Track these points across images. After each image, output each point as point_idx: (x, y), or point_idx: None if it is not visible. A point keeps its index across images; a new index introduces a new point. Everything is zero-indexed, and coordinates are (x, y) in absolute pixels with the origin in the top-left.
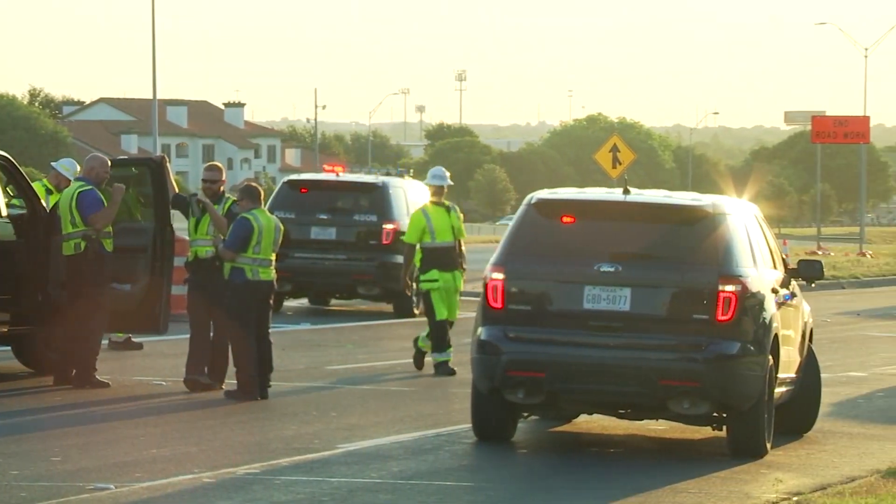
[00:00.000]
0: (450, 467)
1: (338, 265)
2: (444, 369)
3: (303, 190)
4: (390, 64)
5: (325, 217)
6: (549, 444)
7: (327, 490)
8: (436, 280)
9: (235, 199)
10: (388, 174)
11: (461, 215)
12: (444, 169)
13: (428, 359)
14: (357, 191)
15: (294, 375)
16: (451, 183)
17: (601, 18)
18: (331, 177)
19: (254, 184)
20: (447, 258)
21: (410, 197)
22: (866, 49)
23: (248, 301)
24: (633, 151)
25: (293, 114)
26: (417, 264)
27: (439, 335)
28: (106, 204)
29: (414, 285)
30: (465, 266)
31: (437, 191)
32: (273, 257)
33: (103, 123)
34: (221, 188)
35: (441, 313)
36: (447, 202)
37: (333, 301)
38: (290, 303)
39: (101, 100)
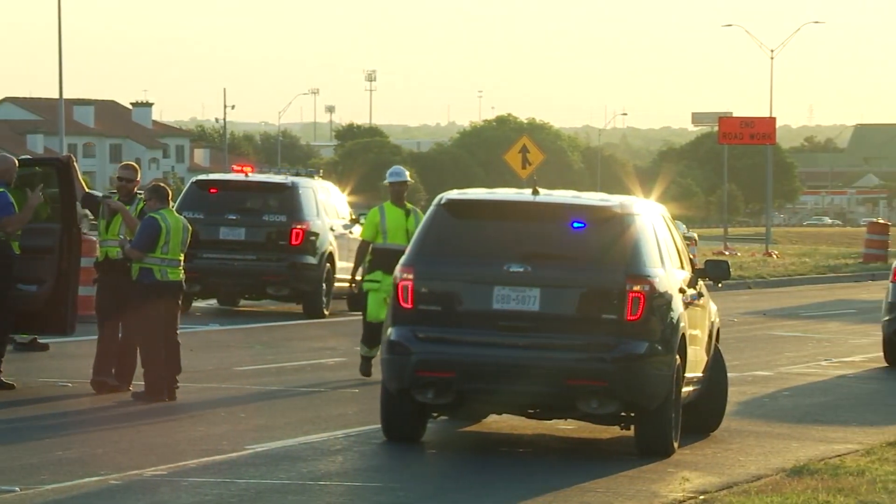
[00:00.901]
0: (359, 468)
1: (247, 266)
2: (365, 365)
3: (212, 190)
4: (300, 64)
5: (234, 217)
6: (458, 444)
7: (235, 492)
8: (378, 282)
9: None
10: (297, 174)
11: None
12: (401, 167)
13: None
14: (266, 191)
15: (202, 377)
16: (409, 181)
17: (511, 19)
18: (240, 177)
19: (161, 184)
20: (395, 261)
21: (320, 197)
22: (772, 51)
23: (156, 302)
24: (542, 152)
25: (202, 113)
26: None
27: (368, 333)
28: (16, 206)
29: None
30: None
31: (397, 191)
32: (181, 257)
33: (9, 123)
34: (135, 188)
35: (373, 314)
36: (409, 205)
37: (243, 302)
38: (198, 303)
39: (7, 99)
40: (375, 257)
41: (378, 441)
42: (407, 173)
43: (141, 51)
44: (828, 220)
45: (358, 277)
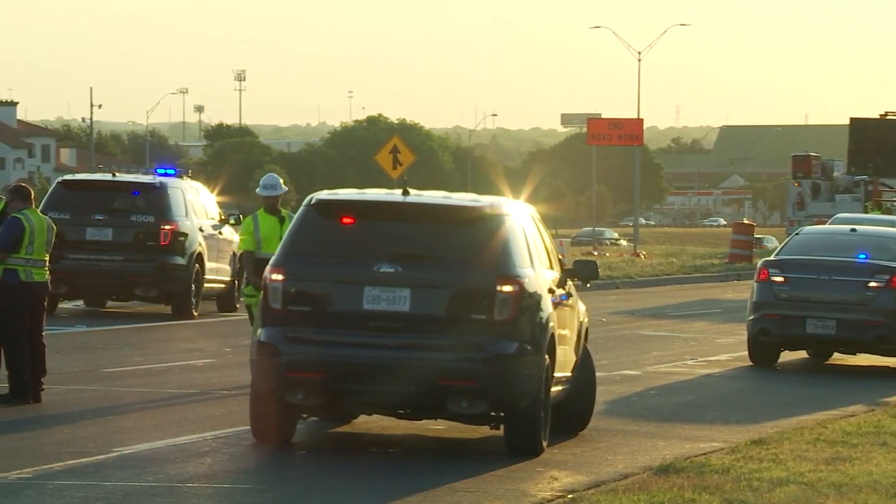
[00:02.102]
0: (228, 469)
1: (115, 266)
2: None
3: (78, 189)
4: (168, 63)
5: (100, 218)
6: (328, 445)
7: (101, 494)
8: (253, 295)
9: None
10: (146, 172)
11: None
12: (275, 176)
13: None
14: (134, 191)
15: (68, 378)
16: (285, 189)
17: (382, 20)
18: (107, 177)
19: (23, 184)
20: None
21: (189, 197)
22: (639, 53)
23: (21, 303)
24: (413, 153)
25: (68, 113)
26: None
27: None
28: None
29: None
30: None
31: (269, 203)
32: (46, 258)
33: None
34: None
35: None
36: (285, 211)
37: (110, 303)
38: (65, 305)
39: None
40: (258, 268)
41: (247, 442)
42: (280, 182)
43: (5, 49)
44: (722, 221)
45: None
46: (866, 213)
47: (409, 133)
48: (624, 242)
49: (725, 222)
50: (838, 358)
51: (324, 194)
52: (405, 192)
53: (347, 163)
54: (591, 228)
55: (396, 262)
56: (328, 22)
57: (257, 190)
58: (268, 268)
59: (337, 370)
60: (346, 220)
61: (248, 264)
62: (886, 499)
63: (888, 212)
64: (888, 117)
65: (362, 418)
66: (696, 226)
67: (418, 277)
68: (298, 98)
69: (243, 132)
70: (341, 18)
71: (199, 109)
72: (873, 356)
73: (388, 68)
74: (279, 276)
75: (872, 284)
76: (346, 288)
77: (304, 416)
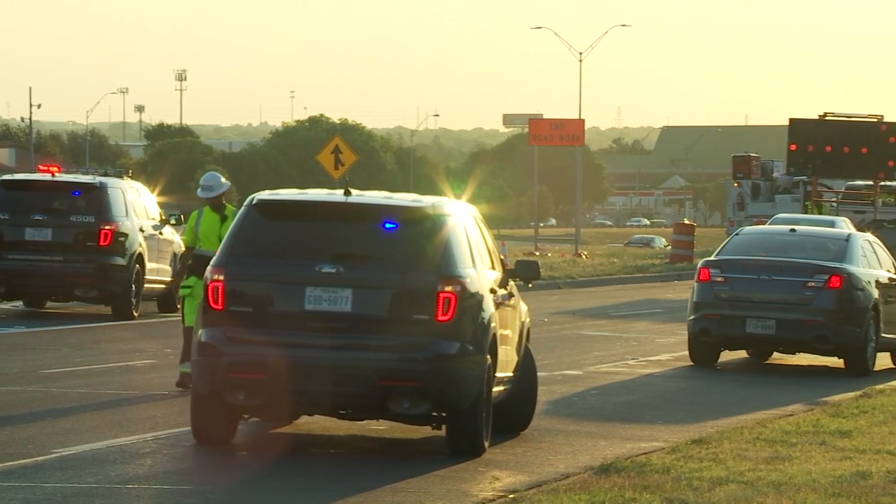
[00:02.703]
0: (168, 471)
1: (54, 267)
2: (185, 380)
3: (17, 189)
4: (108, 62)
5: (40, 218)
6: (270, 446)
7: (41, 496)
8: (190, 287)
9: None
10: (105, 174)
11: None
12: (215, 175)
13: None
14: (74, 191)
15: (7, 379)
16: (225, 187)
17: (323, 19)
18: (46, 177)
19: None
20: (206, 267)
21: (129, 197)
22: (581, 53)
23: None
24: (355, 153)
25: (7, 112)
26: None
27: (187, 344)
28: None
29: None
30: None
31: (212, 202)
32: None
33: None
34: None
35: (191, 320)
36: (230, 208)
37: (50, 304)
38: (4, 305)
39: None
40: (192, 263)
41: (188, 443)
42: (220, 180)
43: None
44: (646, 222)
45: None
46: (807, 213)
47: (351, 133)
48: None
49: (648, 222)
50: (778, 357)
51: (265, 194)
52: (347, 193)
53: (289, 163)
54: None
55: (338, 262)
56: (270, 22)
57: (198, 191)
58: (209, 268)
59: (278, 371)
60: (287, 220)
61: (184, 259)
62: (825, 498)
63: (827, 212)
64: (827, 118)
65: (304, 419)
66: (621, 226)
67: (360, 278)
68: (240, 98)
69: (184, 132)
70: (283, 18)
71: (140, 109)
72: (812, 356)
73: (330, 68)
74: (220, 277)
75: (811, 284)
76: (287, 288)
77: (246, 416)
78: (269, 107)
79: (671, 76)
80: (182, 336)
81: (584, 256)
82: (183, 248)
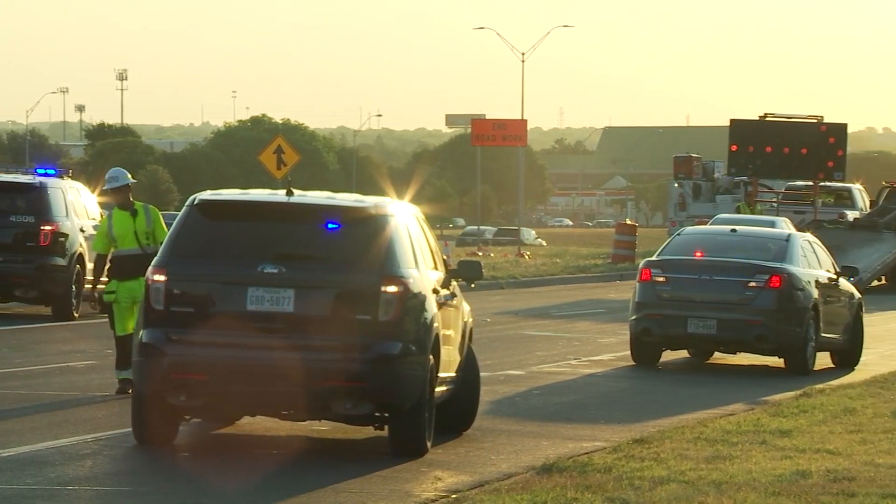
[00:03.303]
0: (109, 472)
1: None
2: (124, 386)
3: None
4: (49, 62)
5: None
6: (211, 447)
7: None
8: (113, 292)
9: None
10: (27, 172)
11: (158, 217)
12: (120, 169)
13: None
14: (14, 191)
15: None
16: (130, 181)
17: (265, 19)
18: None
19: None
20: (128, 266)
21: (70, 197)
22: (523, 54)
23: None
24: (297, 153)
25: None
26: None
27: (121, 350)
28: None
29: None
30: None
31: (118, 196)
32: None
33: None
34: None
35: (121, 328)
36: (139, 204)
37: None
38: None
39: None
40: (111, 266)
41: (129, 445)
42: (123, 174)
43: None
44: (568, 222)
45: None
46: (738, 213)
47: (294, 133)
48: (543, 242)
49: (571, 223)
50: (719, 357)
51: (207, 194)
52: (289, 193)
53: (231, 163)
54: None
55: (280, 262)
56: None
57: (104, 186)
58: (150, 268)
59: (220, 371)
60: (229, 220)
61: (98, 266)
62: (765, 497)
63: (761, 212)
64: (767, 119)
65: (246, 419)
66: (542, 226)
67: (302, 278)
68: (181, 98)
69: (125, 132)
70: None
71: (81, 109)
72: (753, 355)
73: (273, 68)
74: (161, 277)
75: (752, 284)
76: (229, 288)
77: (187, 417)
78: (210, 106)
79: (613, 77)
80: (115, 343)
81: (526, 257)
82: (94, 252)
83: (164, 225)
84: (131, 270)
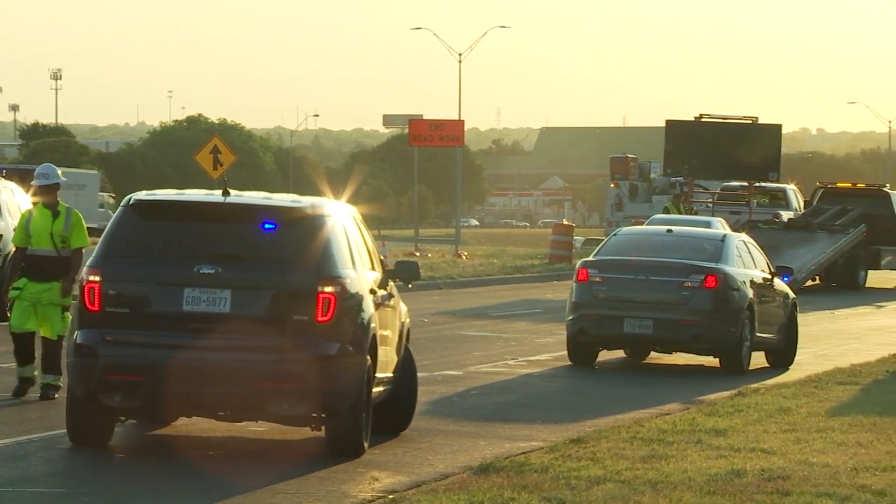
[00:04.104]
0: (43, 473)
1: None
2: (19, 386)
3: None
4: None
5: None
6: (147, 448)
7: None
8: (19, 289)
9: None
10: None
11: (78, 223)
12: (51, 166)
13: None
14: None
15: None
16: (61, 180)
17: (200, 18)
18: None
19: None
20: (39, 268)
21: (3, 197)
22: (460, 54)
23: None
24: (234, 153)
25: None
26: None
27: (16, 346)
28: None
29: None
30: (74, 278)
31: (42, 191)
32: None
33: None
34: None
35: (15, 324)
36: (63, 205)
37: None
38: None
39: None
40: (25, 263)
41: (63, 446)
42: (55, 172)
43: None
44: (474, 222)
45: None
46: (667, 213)
47: (230, 133)
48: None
49: (478, 223)
50: (655, 357)
51: (142, 194)
52: (225, 193)
53: (167, 163)
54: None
55: (216, 263)
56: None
57: (33, 182)
58: (85, 269)
59: (156, 372)
60: (165, 221)
61: (15, 261)
62: (701, 496)
63: (689, 212)
64: (703, 120)
65: (182, 420)
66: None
67: (238, 278)
68: (116, 97)
69: (60, 132)
70: (161, 16)
71: (14, 108)
72: (689, 355)
73: (209, 67)
74: (96, 277)
75: (688, 284)
76: (165, 289)
77: (122, 418)
78: (146, 106)
79: (550, 77)
80: (12, 339)
81: (464, 257)
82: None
83: (84, 232)
84: (41, 272)
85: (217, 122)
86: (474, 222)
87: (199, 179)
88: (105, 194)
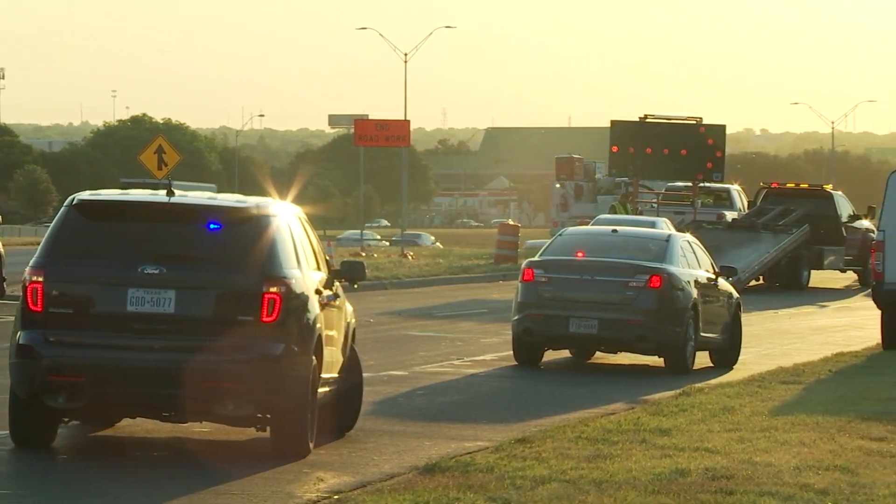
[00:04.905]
0: None
1: None
2: None
3: None
4: None
5: None
6: (91, 449)
7: None
8: None
9: None
10: None
11: None
12: None
13: None
14: None
15: None
16: None
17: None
18: None
19: None
20: None
21: None
22: (406, 55)
23: None
24: (178, 153)
25: None
26: None
27: None
28: None
29: None
30: None
31: None
32: None
33: None
34: None
35: None
36: None
37: None
38: None
39: None
40: None
41: (6, 447)
42: None
43: None
44: (385, 223)
45: None
46: (614, 212)
47: (175, 133)
48: (387, 243)
49: (388, 223)
50: (600, 357)
51: (86, 195)
52: (170, 193)
53: (111, 163)
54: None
55: (161, 263)
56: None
57: None
58: (27, 269)
59: (100, 373)
60: (109, 221)
61: None
62: (645, 495)
63: (635, 212)
64: (648, 120)
65: (126, 421)
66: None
67: (183, 279)
68: (60, 97)
69: (2, 131)
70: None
71: None
72: (634, 355)
73: (153, 67)
74: (39, 278)
75: (633, 284)
76: (109, 290)
77: (66, 419)
78: (90, 106)
79: (495, 78)
80: None
81: (410, 257)
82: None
83: None
84: None
85: (162, 121)
86: (385, 222)
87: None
88: None
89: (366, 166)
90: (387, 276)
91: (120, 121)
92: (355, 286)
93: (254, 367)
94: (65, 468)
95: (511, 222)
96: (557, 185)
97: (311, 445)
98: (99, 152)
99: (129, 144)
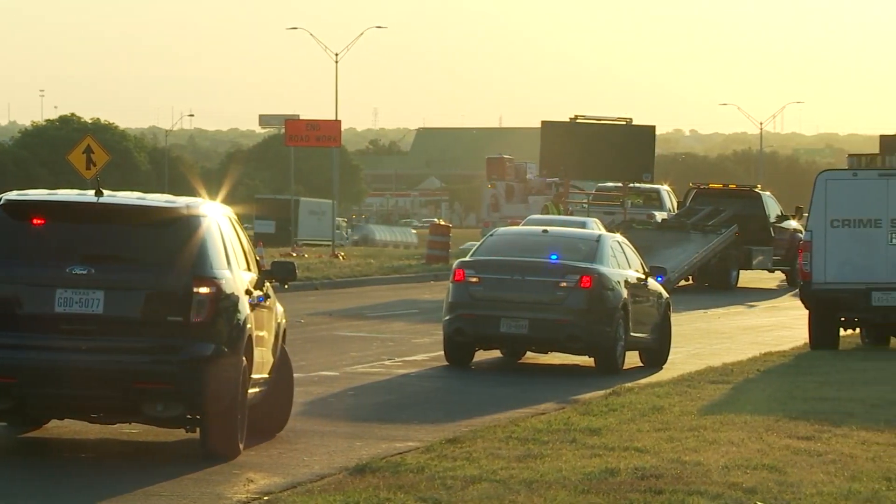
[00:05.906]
0: None
1: None
2: None
3: None
4: None
5: None
6: (17, 451)
7: None
8: None
9: None
10: None
11: None
12: None
13: None
14: None
15: None
16: None
17: (74, 15)
18: None
19: None
20: None
21: None
22: (337, 55)
23: None
24: (107, 153)
25: None
26: None
27: None
28: None
29: None
30: None
31: None
32: None
33: None
34: None
35: None
36: None
37: None
38: None
39: None
40: None
41: None
42: None
43: None
44: (415, 223)
45: None
46: (547, 212)
47: (104, 133)
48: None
49: (274, 222)
50: (531, 357)
51: (13, 195)
52: (98, 193)
53: (39, 163)
54: None
55: (89, 263)
56: (17, 18)
57: None
58: None
59: (27, 374)
60: (36, 221)
61: None
62: (575, 494)
63: (565, 212)
64: (578, 121)
65: (54, 423)
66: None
67: (112, 279)
68: None
69: None
70: (31, 15)
71: None
72: (564, 354)
73: (82, 66)
74: None
75: (563, 284)
76: (36, 290)
77: None
78: (17, 105)
79: (426, 78)
80: None
81: (341, 257)
82: None
83: None
84: None
85: (90, 121)
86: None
87: (71, 179)
88: (340, 219)
89: (296, 166)
90: (318, 277)
91: (48, 120)
92: (286, 286)
93: (183, 367)
94: None
95: (442, 222)
96: (489, 186)
97: (241, 446)
98: (27, 152)
99: (57, 144)
